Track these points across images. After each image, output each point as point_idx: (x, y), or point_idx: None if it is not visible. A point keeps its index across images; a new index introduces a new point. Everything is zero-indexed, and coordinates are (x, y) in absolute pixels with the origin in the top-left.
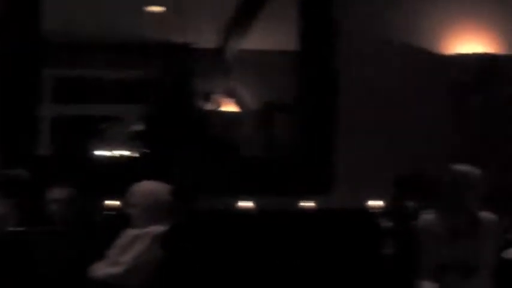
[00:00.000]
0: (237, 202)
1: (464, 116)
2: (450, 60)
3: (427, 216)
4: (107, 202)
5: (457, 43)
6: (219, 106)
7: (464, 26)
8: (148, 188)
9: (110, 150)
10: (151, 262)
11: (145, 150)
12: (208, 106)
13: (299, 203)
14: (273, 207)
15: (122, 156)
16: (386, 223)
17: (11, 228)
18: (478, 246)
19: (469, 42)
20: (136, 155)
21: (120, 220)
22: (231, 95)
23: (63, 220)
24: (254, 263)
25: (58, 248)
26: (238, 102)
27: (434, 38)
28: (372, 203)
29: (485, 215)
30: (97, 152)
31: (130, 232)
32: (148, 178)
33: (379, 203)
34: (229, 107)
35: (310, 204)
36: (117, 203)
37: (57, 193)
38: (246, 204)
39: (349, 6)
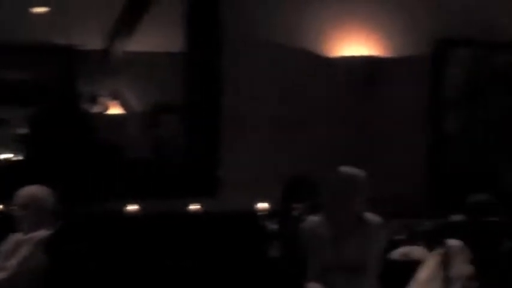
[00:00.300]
0: (123, 205)
1: (349, 117)
2: (335, 62)
3: (313, 219)
4: None
5: (343, 46)
6: (105, 108)
7: (350, 28)
8: (32, 192)
9: None
10: (36, 267)
11: (30, 153)
12: (94, 108)
13: (186, 206)
14: (159, 210)
15: (6, 160)
16: (273, 226)
17: None
18: (364, 247)
19: (354, 45)
20: (21, 158)
21: (4, 224)
22: (117, 97)
23: None
24: (139, 266)
25: None
26: (124, 104)
27: (320, 40)
28: (258, 205)
29: (371, 216)
30: None
31: (15, 237)
32: (33, 182)
33: (266, 205)
34: (115, 109)
35: (196, 207)
36: (0, 206)
37: None
38: (131, 207)
39: (236, 8)
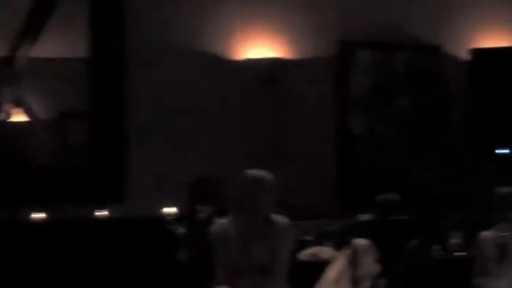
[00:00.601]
0: (29, 213)
1: (254, 120)
2: (241, 65)
3: (221, 221)
4: None
5: (248, 48)
6: (8, 116)
7: (255, 31)
8: None
9: None
10: None
11: None
12: None
13: (93, 212)
14: (66, 217)
15: None
16: (181, 230)
17: None
18: (272, 248)
19: (259, 47)
20: None
21: None
22: (20, 104)
23: None
24: (46, 272)
25: None
26: (28, 111)
27: (225, 43)
28: (165, 210)
29: (279, 218)
30: None
31: None
32: None
33: (173, 210)
34: (19, 116)
35: (103, 213)
36: None
37: None
38: (38, 215)
39: (140, 13)
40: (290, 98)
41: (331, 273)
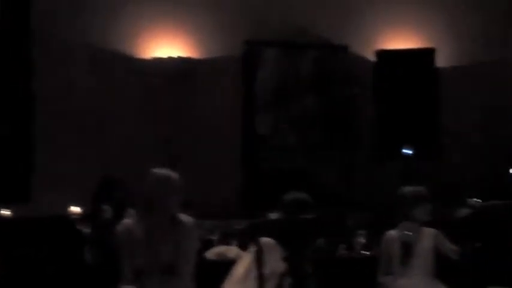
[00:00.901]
0: None
1: (161, 119)
2: (148, 63)
3: (127, 221)
4: None
5: (155, 47)
6: None
7: (162, 30)
8: None
9: None
10: None
11: None
12: None
13: None
14: None
15: None
16: (86, 229)
17: None
18: (178, 248)
19: (166, 46)
20: None
21: None
22: None
23: None
24: None
25: None
26: None
27: (132, 42)
28: (72, 209)
29: (184, 217)
30: None
31: None
32: None
33: (78, 209)
34: None
35: (6, 212)
36: None
37: None
38: None
39: (48, 12)
40: (197, 97)
41: (237, 271)
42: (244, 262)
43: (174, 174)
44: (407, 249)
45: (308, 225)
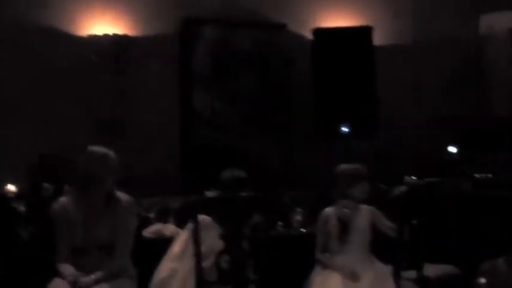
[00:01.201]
0: None
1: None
2: (85, 41)
3: (63, 199)
4: None
5: (91, 24)
6: None
7: (98, 7)
8: None
9: None
10: None
11: None
12: None
13: None
14: None
15: None
16: (23, 207)
17: None
18: (115, 226)
19: (102, 24)
20: None
21: None
22: None
23: None
24: None
25: None
26: None
27: (68, 19)
28: (8, 187)
29: (121, 195)
30: None
31: None
32: None
33: (13, 187)
34: None
35: None
36: None
37: None
38: None
39: None
40: (134, 75)
41: (174, 249)
42: (181, 240)
43: (110, 152)
44: (344, 226)
45: (245, 203)
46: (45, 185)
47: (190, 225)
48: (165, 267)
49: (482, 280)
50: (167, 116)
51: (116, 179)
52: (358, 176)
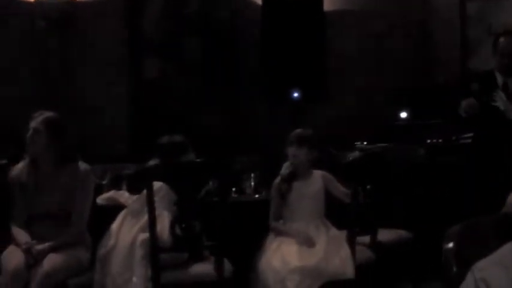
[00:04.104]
0: None
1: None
2: (31, 6)
3: (18, 166)
4: None
5: None
6: None
7: None
8: None
9: None
10: None
11: None
12: None
13: None
14: None
15: None
16: None
17: None
18: (72, 193)
19: None
20: None
21: None
22: None
23: None
24: None
25: None
26: None
27: None
28: None
29: (79, 163)
30: None
31: None
32: None
33: None
34: None
35: None
36: None
37: None
38: None
39: None
40: (81, 41)
41: (113, 226)
42: (134, 206)
43: (53, 116)
44: (288, 186)
45: (197, 169)
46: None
47: (143, 192)
48: (105, 243)
49: (451, 245)
50: (117, 80)
51: (64, 146)
52: (304, 139)
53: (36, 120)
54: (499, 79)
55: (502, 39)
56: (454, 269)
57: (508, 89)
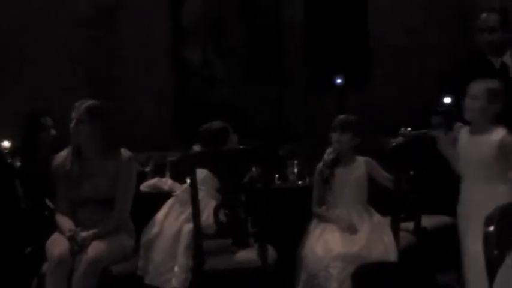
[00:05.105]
0: None
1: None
2: None
3: (61, 154)
4: None
5: None
6: None
7: None
8: None
9: None
10: None
11: None
12: None
13: None
14: None
15: None
16: (17, 163)
17: None
18: (116, 180)
19: None
20: None
21: None
22: None
23: None
24: None
25: None
26: None
27: None
28: (2, 143)
29: (122, 150)
30: None
31: None
32: None
33: (8, 143)
34: None
35: None
36: None
37: None
38: None
39: None
40: (125, 30)
41: (159, 215)
42: (183, 195)
43: (105, 104)
44: (330, 172)
45: (240, 156)
46: (41, 140)
47: (187, 179)
48: (149, 230)
49: (491, 228)
50: (160, 70)
51: (111, 133)
52: (349, 125)
53: (79, 110)
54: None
55: (483, 15)
56: (495, 251)
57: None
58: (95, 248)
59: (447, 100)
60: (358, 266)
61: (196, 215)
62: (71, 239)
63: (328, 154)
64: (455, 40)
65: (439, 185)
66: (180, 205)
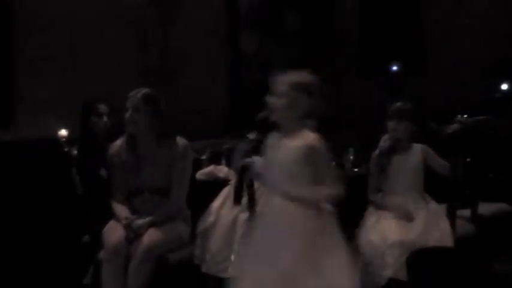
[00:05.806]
0: None
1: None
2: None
3: (117, 143)
4: None
5: None
6: None
7: None
8: None
9: None
10: None
11: None
12: None
13: None
14: None
15: None
16: (74, 151)
17: None
18: (172, 168)
19: None
20: None
21: None
22: None
23: None
24: None
25: None
26: None
27: None
28: (60, 132)
29: (178, 138)
30: None
31: None
32: None
33: (65, 132)
34: None
35: None
36: None
37: None
38: None
39: None
40: (180, 18)
41: (215, 204)
42: (222, 194)
43: (153, 92)
44: (387, 159)
45: None
46: (96, 128)
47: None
48: (205, 219)
49: None
50: (214, 57)
51: (164, 122)
52: (405, 113)
53: (134, 99)
54: None
55: None
56: None
57: None
58: (151, 236)
59: (504, 87)
60: (413, 251)
61: (252, 203)
62: (127, 226)
63: (384, 141)
64: None
65: (496, 172)
66: None
